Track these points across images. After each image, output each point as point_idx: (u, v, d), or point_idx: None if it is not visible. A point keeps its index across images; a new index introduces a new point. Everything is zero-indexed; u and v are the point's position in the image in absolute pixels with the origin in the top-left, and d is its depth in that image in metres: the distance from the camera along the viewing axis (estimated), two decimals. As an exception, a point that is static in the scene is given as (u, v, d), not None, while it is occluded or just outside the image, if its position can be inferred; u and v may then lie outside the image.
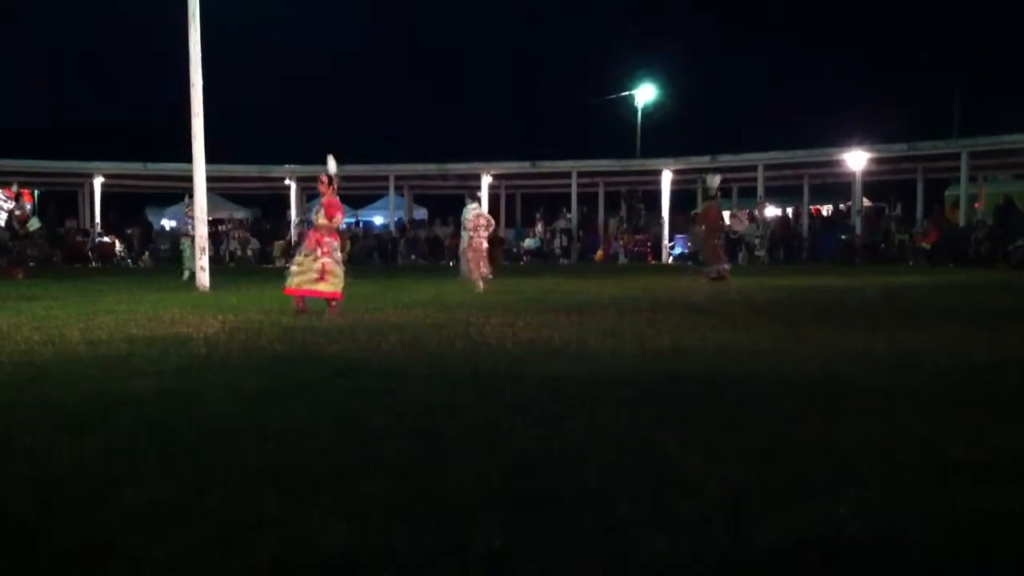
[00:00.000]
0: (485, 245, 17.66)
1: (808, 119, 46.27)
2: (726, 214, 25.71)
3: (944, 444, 4.62)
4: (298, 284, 12.07)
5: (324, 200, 12.39)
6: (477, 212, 17.59)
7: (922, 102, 45.83)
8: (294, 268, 12.24)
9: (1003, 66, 49.46)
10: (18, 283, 20.18)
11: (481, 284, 16.99)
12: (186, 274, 21.95)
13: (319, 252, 12.10)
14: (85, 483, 4.00)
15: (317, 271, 12.00)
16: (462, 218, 17.81)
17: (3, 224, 34.78)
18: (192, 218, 20.43)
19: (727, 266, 16.18)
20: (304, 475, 4.10)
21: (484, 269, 17.24)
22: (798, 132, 44.25)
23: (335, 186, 12.55)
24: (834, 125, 43.85)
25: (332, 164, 12.64)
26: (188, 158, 19.50)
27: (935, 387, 6.21)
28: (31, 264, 24.05)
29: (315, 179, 12.86)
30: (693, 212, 26.22)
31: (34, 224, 27.38)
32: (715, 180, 16.40)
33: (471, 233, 17.35)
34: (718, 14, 61.53)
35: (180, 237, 25.26)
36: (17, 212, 27.28)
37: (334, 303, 12.02)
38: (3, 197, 39.28)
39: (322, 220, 12.26)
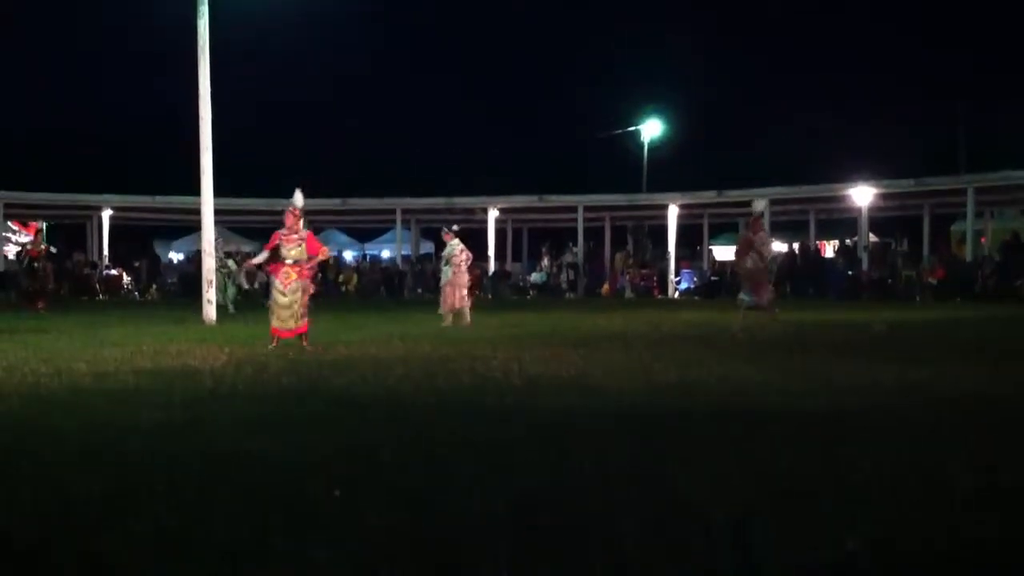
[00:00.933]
0: (467, 280, 17.79)
1: (808, 118, 46.06)
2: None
3: (949, 471, 4.63)
4: (294, 327, 12.09)
5: (302, 234, 12.45)
6: (462, 247, 17.72)
7: (926, 128, 45.73)
8: (282, 302, 12.16)
9: (1006, 65, 49.33)
10: (32, 315, 20.21)
11: (451, 318, 17.01)
12: (230, 308, 22.08)
13: (304, 286, 12.17)
14: (89, 509, 4.00)
15: (300, 305, 12.09)
16: (447, 253, 17.86)
17: (13, 257, 34.93)
18: (221, 252, 20.40)
19: (747, 299, 16.19)
20: (309, 503, 4.10)
21: (457, 303, 17.25)
22: (800, 131, 44.30)
23: (303, 219, 12.72)
24: (836, 132, 43.96)
25: (299, 197, 12.68)
26: (191, 173, 19.54)
27: (941, 416, 6.22)
28: (30, 295, 24.14)
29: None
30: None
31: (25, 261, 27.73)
32: (757, 205, 16.43)
33: (455, 268, 17.45)
34: (718, 13, 61.19)
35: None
36: (28, 247, 27.42)
37: (305, 336, 12.10)
38: (17, 231, 39.48)
39: (304, 255, 12.28)
